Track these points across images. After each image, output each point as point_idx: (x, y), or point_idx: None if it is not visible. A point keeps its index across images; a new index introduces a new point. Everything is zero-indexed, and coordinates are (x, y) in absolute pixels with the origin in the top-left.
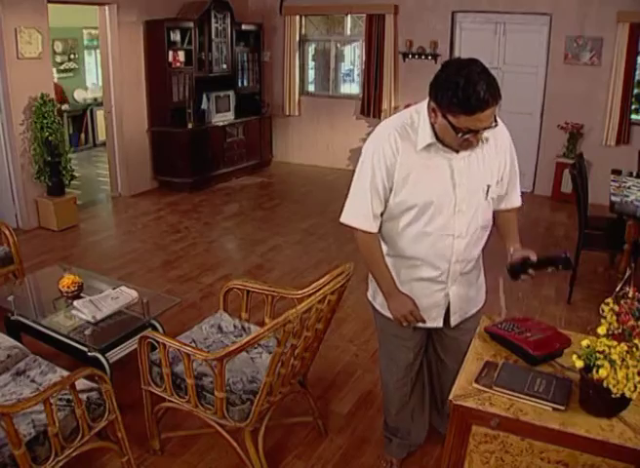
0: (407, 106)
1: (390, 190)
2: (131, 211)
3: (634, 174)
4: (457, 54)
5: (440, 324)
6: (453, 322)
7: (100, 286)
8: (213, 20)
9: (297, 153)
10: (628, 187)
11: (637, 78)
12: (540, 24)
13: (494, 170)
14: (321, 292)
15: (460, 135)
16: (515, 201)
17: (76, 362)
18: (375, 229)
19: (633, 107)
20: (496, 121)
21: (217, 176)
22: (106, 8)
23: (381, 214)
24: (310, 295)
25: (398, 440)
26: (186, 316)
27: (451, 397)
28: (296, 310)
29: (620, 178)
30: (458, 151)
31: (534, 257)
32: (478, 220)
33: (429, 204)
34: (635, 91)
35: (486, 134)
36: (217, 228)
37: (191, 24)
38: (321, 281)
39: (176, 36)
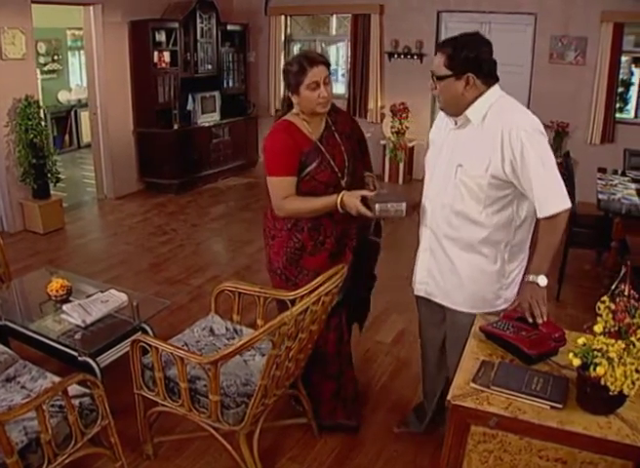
0: (393, 106)
1: None
2: (117, 213)
3: (619, 172)
4: None
5: (415, 290)
6: (416, 290)
7: (87, 289)
8: (198, 21)
9: None
10: (615, 185)
11: (621, 77)
12: (525, 24)
13: (482, 157)
14: (316, 293)
15: None
16: (540, 210)
17: (65, 366)
18: None
19: (617, 106)
20: (436, 78)
21: (203, 178)
22: (91, 8)
23: None
24: (303, 297)
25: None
26: (176, 318)
27: (449, 397)
28: (291, 312)
29: (607, 177)
30: (456, 123)
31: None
32: (447, 197)
33: (426, 161)
34: (619, 89)
35: (473, 116)
36: (204, 230)
37: (176, 25)
38: (314, 282)
39: (161, 37)
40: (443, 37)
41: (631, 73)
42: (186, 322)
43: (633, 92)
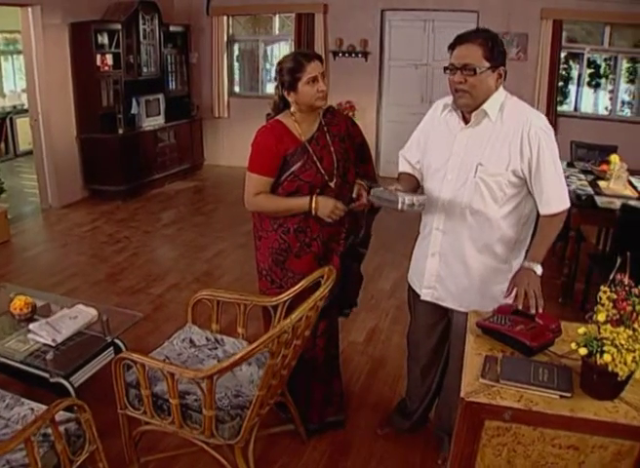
0: (339, 104)
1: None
2: (64, 222)
3: (565, 163)
4: (387, 51)
5: (422, 295)
6: (423, 295)
7: (51, 306)
8: (141, 22)
9: (228, 155)
10: (567, 177)
11: (561, 72)
12: (468, 21)
13: (502, 155)
14: (312, 298)
15: (446, 72)
16: (543, 207)
17: (31, 389)
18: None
19: (558, 99)
20: (472, 70)
21: (149, 183)
22: (29, 10)
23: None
24: (286, 302)
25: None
26: (142, 330)
27: (462, 394)
28: (290, 320)
29: None
30: (466, 122)
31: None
32: (465, 198)
33: (429, 165)
34: (559, 84)
35: (491, 110)
36: (157, 236)
37: (119, 26)
38: (297, 286)
39: (103, 39)
40: (387, 35)
41: (569, 68)
42: (153, 333)
43: (572, 86)
